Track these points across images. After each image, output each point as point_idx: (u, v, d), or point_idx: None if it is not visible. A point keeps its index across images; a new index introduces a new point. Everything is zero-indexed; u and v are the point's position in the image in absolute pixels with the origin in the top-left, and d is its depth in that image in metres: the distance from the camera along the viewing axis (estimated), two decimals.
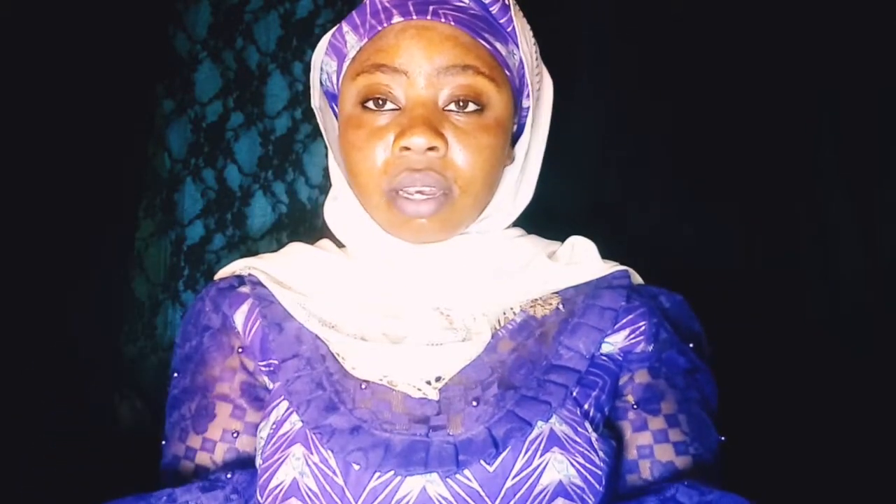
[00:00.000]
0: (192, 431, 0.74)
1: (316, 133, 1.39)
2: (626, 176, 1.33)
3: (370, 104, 0.71)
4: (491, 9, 0.72)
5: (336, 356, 0.72)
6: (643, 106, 1.29)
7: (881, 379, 1.17)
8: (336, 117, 0.79)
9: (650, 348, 0.75)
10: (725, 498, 0.65)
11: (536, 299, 0.76)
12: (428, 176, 0.69)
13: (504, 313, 0.75)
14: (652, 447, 0.72)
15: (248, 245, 1.45)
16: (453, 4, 0.71)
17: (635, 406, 0.73)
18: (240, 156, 1.46)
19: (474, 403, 0.67)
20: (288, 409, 0.69)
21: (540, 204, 0.79)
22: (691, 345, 0.76)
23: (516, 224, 0.79)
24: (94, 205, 1.33)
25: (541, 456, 0.65)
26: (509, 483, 0.64)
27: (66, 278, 1.29)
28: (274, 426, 0.70)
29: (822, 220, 1.25)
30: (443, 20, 0.70)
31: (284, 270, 0.78)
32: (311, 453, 0.66)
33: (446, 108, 0.70)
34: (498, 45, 0.72)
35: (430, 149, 0.68)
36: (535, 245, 0.78)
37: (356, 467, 0.64)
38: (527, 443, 0.65)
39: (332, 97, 0.80)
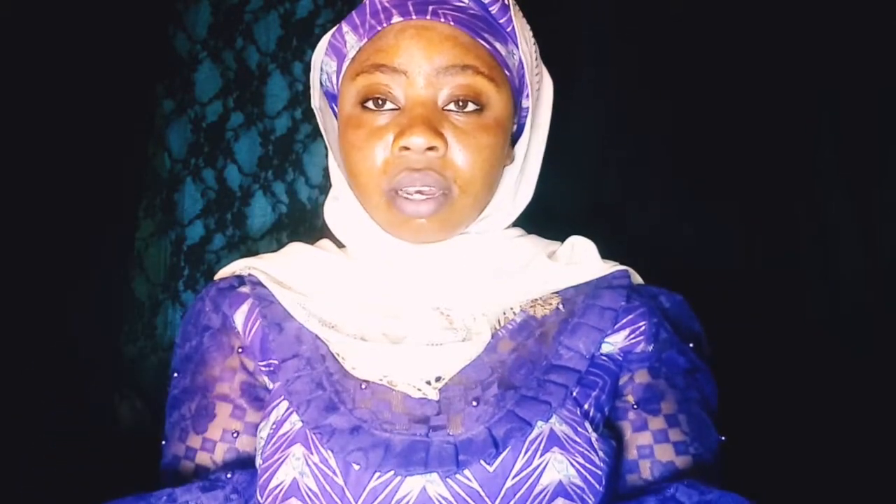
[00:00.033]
0: (192, 431, 0.74)
1: (316, 133, 1.39)
2: (625, 176, 1.33)
3: (370, 104, 0.71)
4: (490, 9, 0.72)
5: (336, 356, 0.72)
6: (643, 106, 1.29)
7: (881, 379, 1.17)
8: (336, 117, 0.79)
9: (650, 348, 0.75)
10: (725, 497, 0.65)
11: (536, 299, 0.76)
12: (427, 176, 0.69)
13: (504, 313, 0.75)
14: (652, 447, 0.72)
15: (248, 245, 1.45)
16: (453, 4, 0.71)
17: (635, 406, 0.73)
18: (240, 156, 1.46)
19: (474, 403, 0.67)
20: (288, 409, 0.69)
21: (540, 204, 0.79)
22: (691, 345, 0.76)
23: (516, 224, 0.79)
24: (94, 205, 1.33)
25: (541, 456, 0.65)
26: (509, 483, 0.64)
27: (66, 278, 1.29)
28: (274, 426, 0.70)
29: (821, 220, 1.25)
30: (442, 20, 0.70)
31: (284, 270, 0.78)
32: (311, 453, 0.66)
33: (446, 108, 0.70)
34: (497, 45, 0.72)
35: (430, 148, 0.68)
36: (535, 245, 0.78)
37: (356, 467, 0.64)
38: (527, 443, 0.65)
39: (331, 97, 0.80)
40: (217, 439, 0.73)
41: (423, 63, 0.69)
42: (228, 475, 0.71)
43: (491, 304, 0.74)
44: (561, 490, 0.65)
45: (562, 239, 0.81)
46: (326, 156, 0.81)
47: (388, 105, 0.70)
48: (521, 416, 0.66)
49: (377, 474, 0.64)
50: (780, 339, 1.21)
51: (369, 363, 0.70)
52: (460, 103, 0.70)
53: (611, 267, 0.78)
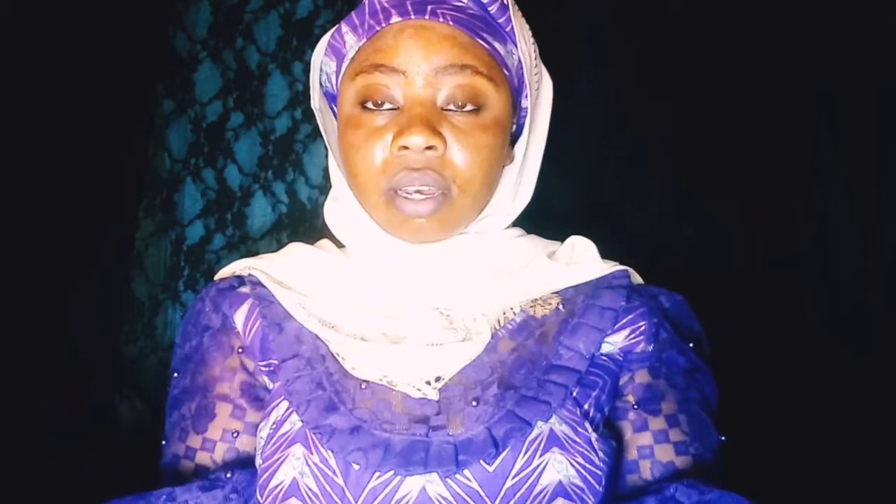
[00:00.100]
0: (192, 431, 0.74)
1: (316, 133, 1.39)
2: (624, 175, 1.33)
3: (369, 104, 0.71)
4: (489, 8, 0.72)
5: (336, 356, 0.72)
6: (642, 105, 1.29)
7: (881, 379, 1.17)
8: (336, 118, 0.79)
9: (650, 348, 0.75)
10: (724, 497, 0.65)
11: (536, 299, 0.76)
12: (426, 175, 0.69)
13: (504, 313, 0.75)
14: (652, 447, 0.72)
15: (248, 245, 1.45)
16: (452, 4, 0.71)
17: (636, 406, 0.73)
18: (240, 156, 1.46)
19: (474, 403, 0.67)
20: (288, 408, 0.69)
21: (539, 204, 0.79)
22: (691, 345, 0.76)
23: (515, 224, 0.79)
24: (94, 205, 1.33)
25: (540, 456, 0.65)
26: (509, 483, 0.64)
27: (66, 278, 1.29)
28: (274, 426, 0.70)
29: (821, 219, 1.25)
30: (441, 20, 0.70)
31: (284, 270, 0.78)
32: (311, 453, 0.66)
33: (445, 108, 0.70)
34: (496, 45, 0.72)
35: (429, 148, 0.68)
36: (535, 245, 0.78)
37: (356, 467, 0.64)
38: (526, 443, 0.65)
39: (331, 98, 0.80)
40: (217, 439, 0.73)
41: (421, 63, 0.69)
42: (228, 475, 0.71)
43: (491, 304, 0.74)
44: (561, 490, 0.65)
45: (561, 239, 0.81)
46: (326, 156, 0.81)
47: (388, 105, 0.70)
48: (521, 416, 0.66)
49: (377, 474, 0.64)
50: (780, 339, 1.21)
51: (369, 363, 0.70)
52: (459, 103, 0.70)
53: (611, 267, 0.78)
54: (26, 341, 1.22)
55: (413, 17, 0.70)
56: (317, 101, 0.79)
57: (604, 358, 0.74)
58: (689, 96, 1.27)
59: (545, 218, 0.83)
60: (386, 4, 0.71)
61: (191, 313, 0.79)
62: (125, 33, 1.35)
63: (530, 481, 0.64)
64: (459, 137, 0.69)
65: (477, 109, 0.70)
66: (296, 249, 0.81)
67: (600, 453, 0.67)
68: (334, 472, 0.65)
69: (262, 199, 1.45)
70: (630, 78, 1.30)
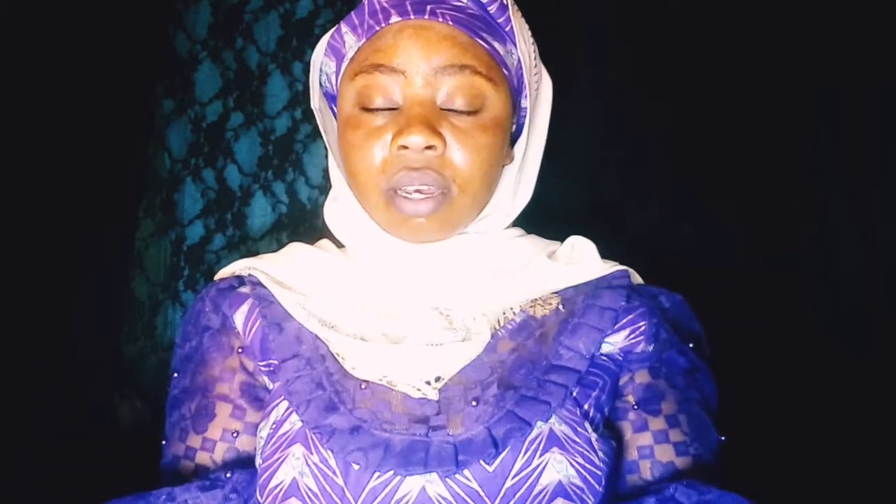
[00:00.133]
0: (192, 431, 0.74)
1: (316, 133, 1.39)
2: (624, 175, 1.33)
3: (368, 104, 0.71)
4: (489, 8, 0.72)
5: (336, 356, 0.72)
6: (642, 105, 1.29)
7: (881, 379, 1.17)
8: (335, 118, 0.79)
9: (650, 348, 0.75)
10: (724, 497, 0.65)
11: (536, 299, 0.76)
12: (426, 175, 0.69)
13: (504, 313, 0.75)
14: (652, 447, 0.72)
15: (248, 245, 1.45)
16: (451, 4, 0.71)
17: (636, 406, 0.73)
18: (240, 156, 1.47)
19: (474, 403, 0.67)
20: (288, 408, 0.69)
21: (539, 204, 0.79)
22: (691, 345, 0.76)
23: (515, 224, 0.79)
24: (94, 205, 1.33)
25: (540, 456, 0.65)
26: (509, 483, 0.64)
27: (66, 278, 1.29)
28: (274, 426, 0.70)
29: (821, 219, 1.25)
30: (440, 20, 0.70)
31: (284, 271, 0.78)
32: (311, 453, 0.66)
33: (444, 108, 0.70)
34: (496, 45, 0.72)
35: (428, 147, 0.68)
36: (535, 245, 0.78)
37: (356, 467, 0.64)
38: (526, 443, 0.65)
39: (331, 98, 0.80)
40: (217, 439, 0.73)
41: (421, 63, 0.69)
42: (228, 475, 0.71)
43: (490, 304, 0.74)
44: (560, 490, 0.65)
45: (561, 239, 0.81)
46: (326, 156, 0.81)
47: (387, 105, 0.70)
48: (521, 416, 0.66)
49: (377, 474, 0.64)
50: (779, 339, 1.21)
51: (369, 363, 0.70)
52: (458, 103, 0.70)
53: (611, 267, 0.78)
54: (26, 341, 1.22)
55: (412, 16, 0.70)
56: (316, 102, 0.79)
57: (604, 358, 0.74)
58: (689, 96, 1.27)
59: (545, 218, 0.83)
60: (385, 4, 0.71)
61: (191, 313, 0.79)
62: (125, 33, 1.35)
63: (530, 481, 0.64)
64: (459, 137, 0.69)
65: (476, 109, 0.70)
66: (296, 249, 0.81)
67: (600, 453, 0.67)
68: (334, 472, 0.65)
69: (262, 199, 1.46)
70: (630, 78, 1.30)
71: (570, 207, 1.15)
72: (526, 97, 0.76)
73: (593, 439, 0.68)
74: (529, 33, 0.76)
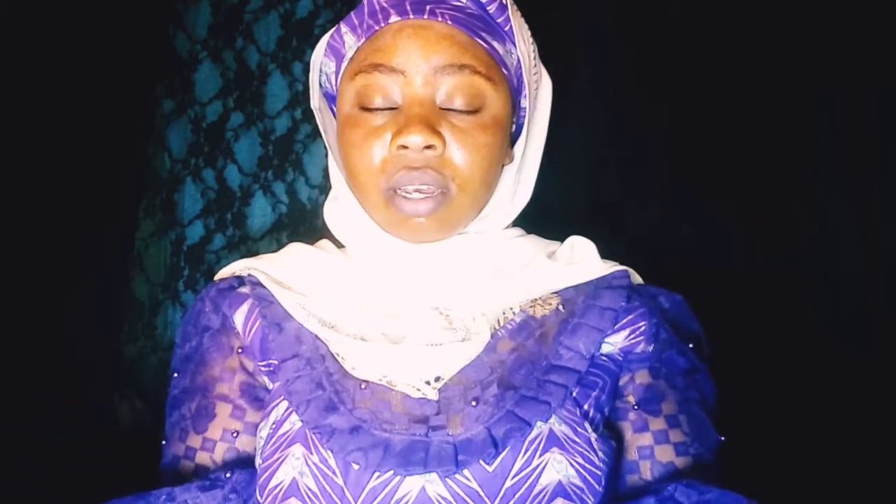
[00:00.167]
0: (192, 431, 0.74)
1: (316, 133, 1.39)
2: (624, 175, 1.33)
3: (368, 104, 0.71)
4: (488, 8, 0.72)
5: (336, 356, 0.72)
6: (642, 105, 1.29)
7: (881, 379, 1.17)
8: (335, 118, 0.79)
9: (650, 348, 0.75)
10: (724, 497, 0.65)
11: (536, 299, 0.76)
12: (426, 174, 0.69)
13: (503, 313, 0.75)
14: (652, 448, 0.72)
15: (248, 245, 1.45)
16: (450, 4, 0.71)
17: (636, 407, 0.73)
18: (240, 156, 1.47)
19: (474, 403, 0.67)
20: (288, 408, 0.69)
21: (539, 204, 0.79)
22: (691, 345, 0.76)
23: (515, 224, 0.79)
24: (94, 205, 1.33)
25: (540, 456, 0.65)
26: (508, 483, 0.64)
27: (66, 278, 1.30)
28: (274, 426, 0.70)
29: (821, 219, 1.25)
30: (440, 19, 0.70)
31: (284, 271, 0.78)
32: (311, 453, 0.66)
33: (444, 108, 0.70)
34: (495, 45, 0.72)
35: (428, 147, 0.68)
36: (535, 245, 0.78)
37: (356, 467, 0.64)
38: (526, 443, 0.65)
39: (331, 98, 0.80)
40: (217, 439, 0.73)
41: (420, 62, 0.69)
42: (228, 475, 0.71)
43: (490, 304, 0.74)
44: (560, 490, 0.65)
45: (561, 239, 0.81)
46: (326, 156, 0.81)
47: (387, 104, 0.70)
48: (521, 416, 0.66)
49: (376, 474, 0.64)
50: (779, 339, 1.21)
51: (369, 363, 0.70)
52: (458, 102, 0.70)
53: (610, 267, 0.78)
54: (26, 341, 1.22)
55: (412, 16, 0.70)
56: (316, 101, 0.79)
57: (604, 358, 0.74)
58: (689, 96, 1.28)
59: (545, 218, 0.83)
60: (385, 4, 0.71)
61: (191, 313, 0.79)
62: (125, 33, 1.36)
63: (530, 481, 0.64)
64: (458, 137, 0.69)
65: (476, 109, 0.70)
66: (296, 249, 0.81)
67: (600, 453, 0.67)
68: (334, 472, 0.65)
69: (262, 199, 1.46)
70: (630, 78, 1.30)
71: (570, 207, 1.15)
72: (525, 97, 0.76)
73: (593, 439, 0.68)
74: (529, 33, 0.76)
